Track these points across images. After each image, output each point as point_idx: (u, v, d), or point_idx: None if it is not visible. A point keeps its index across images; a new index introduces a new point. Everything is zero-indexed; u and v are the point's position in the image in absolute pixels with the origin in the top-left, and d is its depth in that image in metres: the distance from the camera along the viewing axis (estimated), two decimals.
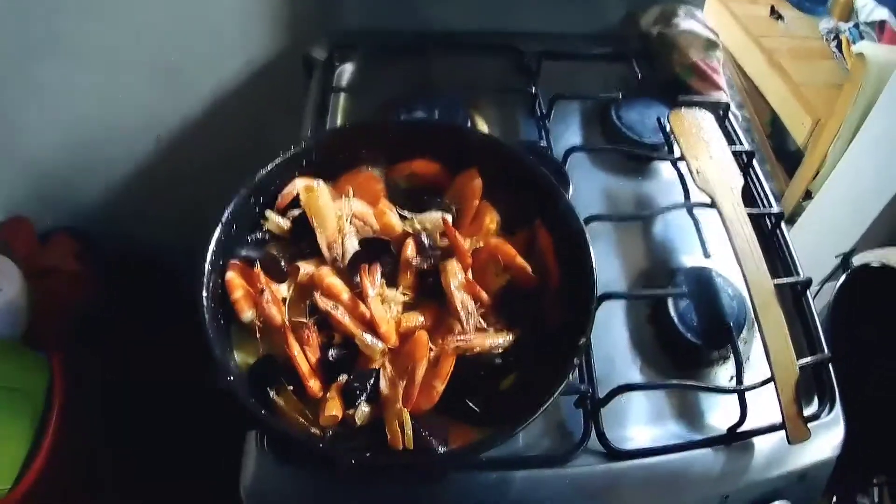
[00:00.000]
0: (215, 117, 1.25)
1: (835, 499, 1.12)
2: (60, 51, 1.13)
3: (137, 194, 1.35)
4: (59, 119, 1.21)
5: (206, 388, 0.61)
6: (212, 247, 0.68)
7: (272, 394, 0.66)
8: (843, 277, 1.20)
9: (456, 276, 0.70)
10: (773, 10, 1.89)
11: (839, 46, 1.81)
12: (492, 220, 0.76)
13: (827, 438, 0.78)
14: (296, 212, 0.75)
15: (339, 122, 0.99)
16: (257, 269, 0.69)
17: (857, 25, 1.80)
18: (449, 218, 0.74)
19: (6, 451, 1.01)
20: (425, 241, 0.73)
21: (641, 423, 0.77)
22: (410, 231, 0.74)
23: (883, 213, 1.32)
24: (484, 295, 0.71)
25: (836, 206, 1.47)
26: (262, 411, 0.63)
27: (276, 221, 0.74)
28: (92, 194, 1.34)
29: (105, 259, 1.34)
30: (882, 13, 1.75)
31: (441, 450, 0.64)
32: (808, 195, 1.65)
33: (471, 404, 0.66)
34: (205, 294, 0.66)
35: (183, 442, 1.31)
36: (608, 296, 0.79)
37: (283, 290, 0.70)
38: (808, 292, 0.89)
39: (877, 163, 1.36)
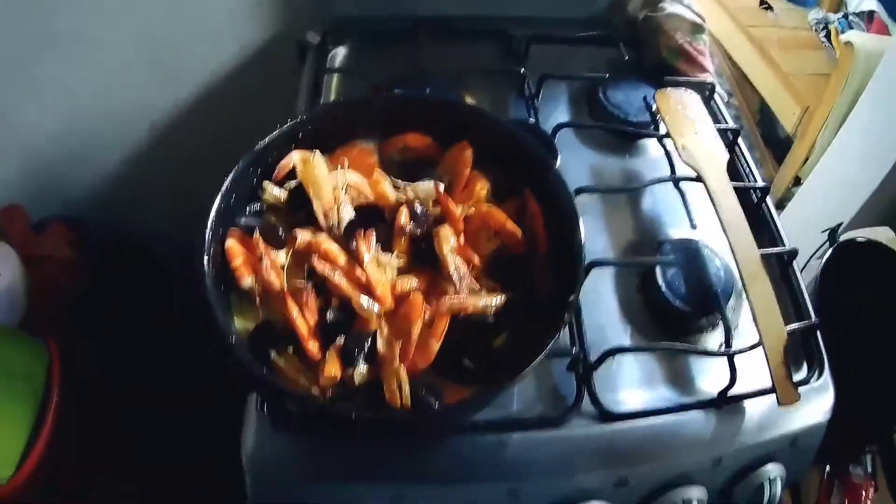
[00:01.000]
0: (209, 103, 1.27)
1: (828, 468, 1.14)
2: (53, 39, 1.14)
3: (131, 182, 1.36)
4: (53, 107, 1.23)
5: (207, 358, 0.63)
6: (212, 215, 0.70)
7: (273, 355, 0.68)
8: (829, 251, 1.22)
9: (448, 240, 0.72)
10: (762, 1, 1.91)
11: (828, 36, 1.83)
12: (482, 187, 0.78)
13: (817, 403, 0.80)
14: (293, 183, 0.76)
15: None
16: (256, 236, 0.71)
17: (846, 16, 1.82)
18: (441, 186, 0.76)
19: (8, 438, 1.02)
20: (418, 208, 0.75)
21: (633, 387, 0.79)
22: (404, 199, 0.76)
23: (870, 198, 1.33)
24: (476, 258, 0.73)
25: (825, 192, 1.48)
26: (264, 371, 0.65)
27: (274, 192, 0.76)
28: (86, 182, 1.36)
29: (99, 246, 1.35)
30: (871, 3, 1.77)
31: (437, 406, 0.66)
32: (797, 181, 1.67)
33: (466, 362, 0.68)
34: (206, 260, 0.68)
35: (182, 425, 1.32)
36: (597, 263, 0.81)
37: (282, 256, 0.72)
38: (794, 263, 0.91)
39: (864, 149, 1.38)
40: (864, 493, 1.11)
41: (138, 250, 1.41)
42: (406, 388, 0.65)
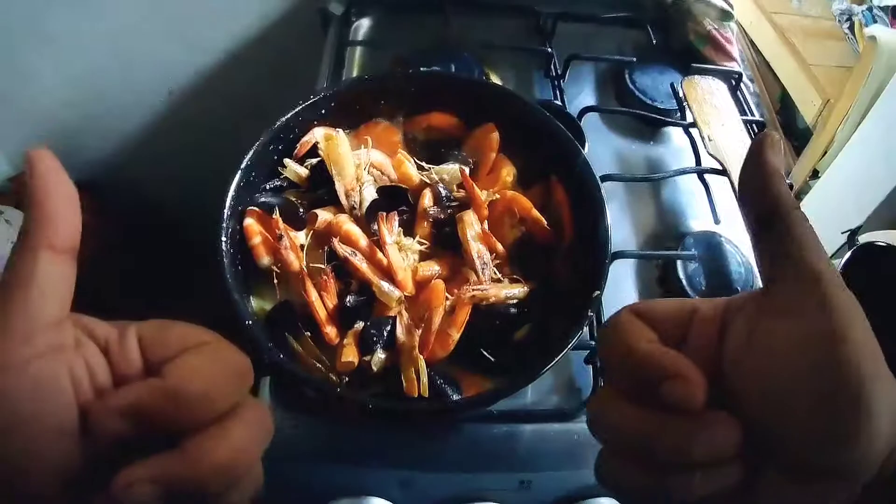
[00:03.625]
0: (229, 71, 1.24)
1: None
2: (72, 2, 1.11)
3: (148, 148, 1.34)
4: (70, 72, 1.20)
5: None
6: (231, 192, 0.68)
7: (290, 339, 0.66)
8: (848, 254, 1.20)
9: (472, 226, 0.70)
10: None
11: (851, 28, 1.79)
12: (508, 172, 0.76)
13: None
14: (314, 160, 0.74)
15: (355, 75, 0.99)
16: (276, 215, 0.69)
17: (870, 9, 1.78)
18: (466, 169, 0.74)
19: None
20: (442, 191, 0.73)
21: None
22: (428, 182, 0.74)
23: (889, 196, 1.32)
24: (500, 246, 0.71)
25: (843, 187, 1.47)
26: (281, 356, 0.63)
27: (295, 169, 0.73)
28: (102, 148, 1.33)
29: (116, 212, 1.33)
30: None
31: (455, 398, 0.65)
32: (815, 174, 1.65)
33: (485, 353, 0.66)
34: (224, 239, 0.66)
35: None
36: (620, 254, 0.80)
37: (301, 237, 0.70)
38: None
39: (885, 146, 1.36)
40: None
41: (154, 217, 1.39)
42: (424, 378, 0.63)
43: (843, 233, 1.25)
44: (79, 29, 1.14)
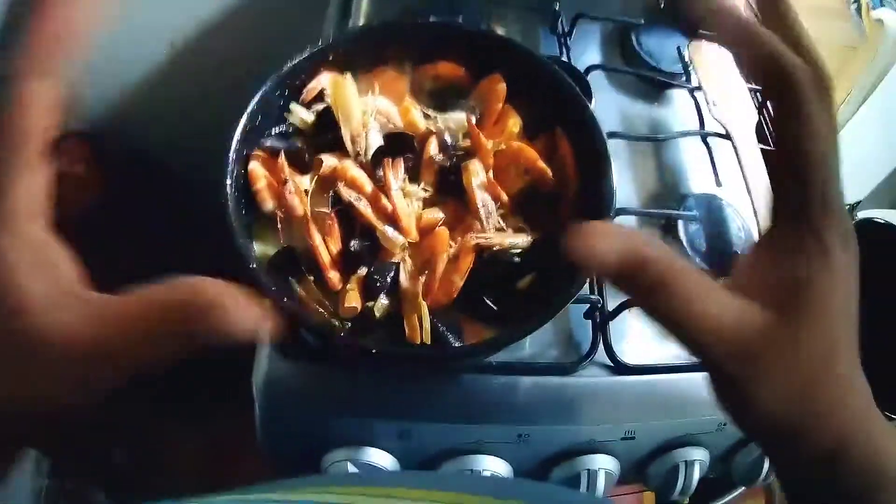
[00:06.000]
0: (233, 20, 1.22)
1: None
2: None
3: (150, 97, 1.32)
4: None
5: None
6: (237, 136, 0.67)
7: (293, 284, 0.66)
8: None
9: (478, 175, 0.70)
10: None
11: (858, 10, 1.79)
12: (514, 123, 0.75)
13: None
14: (320, 106, 0.74)
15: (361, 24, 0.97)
16: (281, 159, 0.68)
17: None
18: (473, 118, 0.74)
19: None
20: (448, 139, 0.73)
21: (647, 341, 0.78)
22: (434, 130, 0.74)
23: (889, 177, 1.32)
24: (504, 195, 0.71)
25: (843, 165, 1.47)
26: (284, 299, 0.63)
27: (301, 114, 0.73)
28: (102, 97, 1.31)
29: (116, 162, 1.32)
30: None
31: (457, 344, 0.65)
32: None
33: (488, 302, 0.66)
34: (229, 182, 0.65)
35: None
36: (622, 211, 0.80)
37: (306, 182, 0.69)
38: None
39: (886, 127, 1.37)
40: None
41: (156, 166, 1.38)
42: (427, 324, 0.63)
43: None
44: None
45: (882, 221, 1.19)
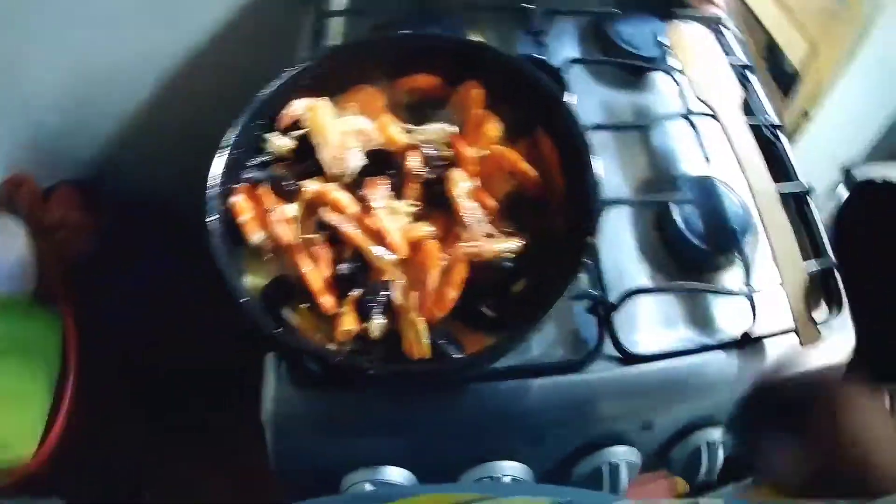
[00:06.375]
0: (212, 49, 1.22)
1: None
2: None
3: (139, 139, 1.32)
4: (57, 66, 1.18)
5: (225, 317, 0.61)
6: (217, 171, 0.68)
7: (287, 312, 0.66)
8: (846, 193, 1.20)
9: (459, 183, 0.69)
10: None
11: None
12: (494, 128, 0.75)
13: (837, 342, 0.79)
14: (298, 132, 0.74)
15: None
16: (265, 189, 0.69)
17: None
18: (454, 129, 0.74)
19: (27, 416, 1.01)
20: (430, 151, 0.73)
21: (653, 328, 0.77)
22: (414, 144, 0.74)
23: (881, 133, 1.32)
24: (491, 201, 0.71)
25: (835, 126, 1.46)
26: (279, 329, 0.63)
27: (279, 143, 0.73)
28: (92, 143, 1.32)
29: (111, 208, 1.33)
30: None
31: (457, 356, 0.64)
32: (806, 116, 1.64)
33: (485, 309, 0.66)
34: (212, 219, 0.66)
35: (204, 388, 1.31)
36: (613, 201, 0.79)
37: (292, 209, 0.69)
38: (810, 201, 0.89)
39: (874, 84, 1.36)
40: None
41: (150, 209, 1.38)
42: (425, 339, 0.63)
43: (841, 169, 1.25)
44: (63, 22, 1.12)
45: (881, 182, 1.18)
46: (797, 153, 0.95)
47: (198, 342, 1.28)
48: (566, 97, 0.74)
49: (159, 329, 1.29)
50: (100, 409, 1.13)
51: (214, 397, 1.24)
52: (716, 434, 0.76)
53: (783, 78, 1.78)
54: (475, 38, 0.97)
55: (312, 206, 0.69)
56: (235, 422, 0.81)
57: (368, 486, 0.69)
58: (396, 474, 0.70)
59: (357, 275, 0.67)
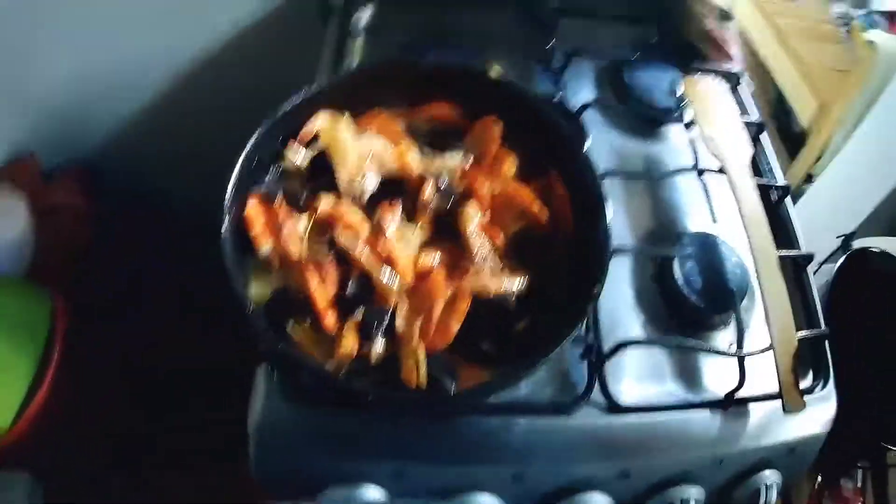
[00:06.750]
0: (230, 57, 1.22)
1: (819, 479, 1.14)
2: None
3: (147, 131, 1.31)
4: (66, 52, 1.17)
5: (222, 318, 0.61)
6: (233, 180, 0.68)
7: (289, 327, 0.66)
8: (842, 258, 1.21)
9: (473, 220, 0.70)
10: None
11: (849, 32, 1.80)
12: (510, 166, 0.76)
13: (819, 413, 0.80)
14: (315, 149, 0.74)
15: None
16: (279, 202, 0.69)
17: (869, 13, 1.79)
18: (468, 163, 0.75)
19: (7, 388, 1.00)
20: (444, 182, 0.73)
21: (641, 379, 0.78)
22: (430, 172, 0.74)
23: (884, 202, 1.33)
24: (500, 239, 0.71)
25: (838, 192, 1.47)
26: (280, 344, 0.63)
27: (296, 158, 0.73)
28: (100, 130, 1.31)
29: (114, 195, 1.32)
30: (894, 2, 1.74)
31: (453, 389, 0.65)
32: (809, 178, 1.66)
33: (485, 345, 0.67)
34: (224, 228, 0.66)
35: (204, 388, 1.30)
36: (617, 250, 0.80)
37: (302, 224, 0.70)
38: (808, 269, 0.90)
39: (881, 152, 1.37)
40: None
41: (154, 201, 1.38)
42: (423, 368, 0.64)
43: (837, 237, 1.26)
44: (77, 10, 1.13)
45: (878, 250, 1.19)
46: (798, 217, 0.96)
47: (198, 342, 1.28)
48: (586, 146, 0.75)
49: (159, 329, 1.28)
50: (82, 393, 1.12)
51: (214, 397, 1.24)
52: (692, 491, 0.76)
53: (791, 137, 1.80)
54: (494, 68, 0.98)
55: (323, 223, 0.70)
56: (235, 422, 0.81)
57: None
58: (375, 494, 0.70)
59: (361, 296, 0.67)
